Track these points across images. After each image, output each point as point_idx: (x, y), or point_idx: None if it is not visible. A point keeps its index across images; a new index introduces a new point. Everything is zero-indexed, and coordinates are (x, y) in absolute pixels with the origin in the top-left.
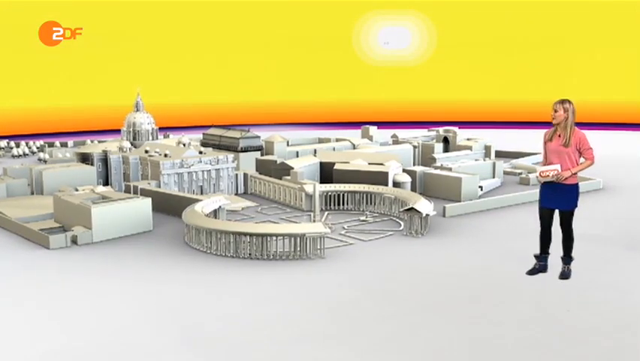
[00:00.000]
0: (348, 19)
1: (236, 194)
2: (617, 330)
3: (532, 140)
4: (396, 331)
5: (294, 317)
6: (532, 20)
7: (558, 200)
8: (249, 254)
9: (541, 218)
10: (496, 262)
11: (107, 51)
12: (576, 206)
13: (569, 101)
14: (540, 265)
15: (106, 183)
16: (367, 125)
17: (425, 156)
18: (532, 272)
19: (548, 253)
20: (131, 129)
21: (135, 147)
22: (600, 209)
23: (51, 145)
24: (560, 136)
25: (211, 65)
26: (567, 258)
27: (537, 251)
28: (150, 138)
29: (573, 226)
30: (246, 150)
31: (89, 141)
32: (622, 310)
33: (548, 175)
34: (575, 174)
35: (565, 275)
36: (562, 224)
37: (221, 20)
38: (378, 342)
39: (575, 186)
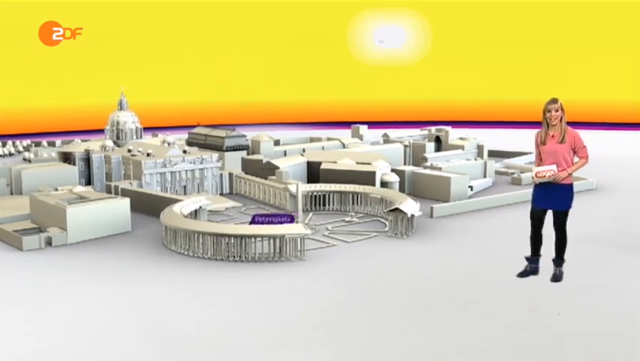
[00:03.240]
0: (343, 17)
1: (221, 194)
2: (609, 335)
3: (525, 139)
4: (380, 335)
5: (273, 321)
6: (527, 20)
7: (553, 201)
8: (227, 256)
9: (532, 219)
10: (484, 264)
11: (101, 51)
12: (571, 206)
13: (558, 101)
14: (531, 268)
15: (88, 182)
16: (357, 125)
17: (416, 156)
18: (523, 274)
19: (540, 255)
20: (115, 128)
21: (119, 146)
22: (593, 209)
23: (38, 144)
24: (553, 136)
25: (203, 63)
26: (559, 260)
27: (528, 253)
28: (134, 137)
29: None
30: (231, 149)
31: (77, 141)
32: (614, 314)
33: (545, 176)
34: (571, 174)
35: (557, 278)
36: (555, 225)
37: (212, 18)
38: (361, 347)
39: (571, 187)
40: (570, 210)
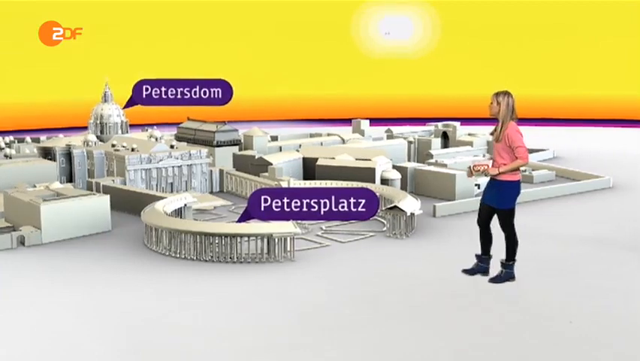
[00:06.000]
0: (347, 7)
1: (211, 192)
2: (615, 340)
3: (537, 136)
4: (375, 341)
5: (259, 325)
6: (540, 12)
7: (493, 197)
8: (212, 257)
9: (478, 214)
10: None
11: (99, 50)
12: (510, 206)
13: (506, 93)
14: (479, 267)
15: (70, 179)
16: (359, 120)
17: (422, 152)
18: (468, 271)
19: (489, 256)
20: (99, 122)
21: (102, 141)
22: (608, 209)
23: (21, 141)
24: (496, 131)
25: (199, 59)
26: (506, 262)
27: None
28: (119, 131)
29: (517, 228)
30: (222, 144)
31: (61, 136)
32: (623, 317)
33: (479, 170)
34: (512, 171)
35: (496, 279)
36: (499, 224)
37: (209, 9)
38: (353, 353)
39: (509, 184)
40: (577, 209)
